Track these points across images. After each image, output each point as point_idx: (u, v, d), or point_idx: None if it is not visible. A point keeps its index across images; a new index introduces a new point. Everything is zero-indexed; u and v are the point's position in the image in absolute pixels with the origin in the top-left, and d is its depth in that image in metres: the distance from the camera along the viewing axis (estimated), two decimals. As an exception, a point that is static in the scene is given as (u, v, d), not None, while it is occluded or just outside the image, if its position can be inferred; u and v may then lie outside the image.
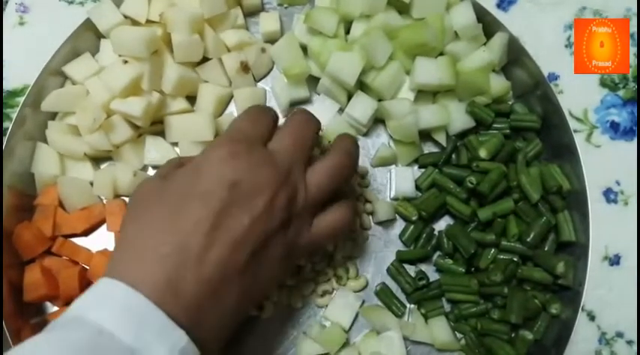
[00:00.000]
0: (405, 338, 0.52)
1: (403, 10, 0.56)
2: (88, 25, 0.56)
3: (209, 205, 0.38)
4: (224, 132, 0.45)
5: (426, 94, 0.56)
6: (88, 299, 0.35)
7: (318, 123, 0.48)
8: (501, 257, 0.52)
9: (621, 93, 0.59)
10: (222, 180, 0.39)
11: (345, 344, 0.52)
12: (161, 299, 0.34)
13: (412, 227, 0.54)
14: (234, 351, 0.53)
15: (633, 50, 0.59)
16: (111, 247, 0.54)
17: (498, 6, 0.60)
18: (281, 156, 0.42)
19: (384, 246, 0.55)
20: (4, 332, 0.49)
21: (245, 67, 0.57)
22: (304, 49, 0.57)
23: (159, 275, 0.35)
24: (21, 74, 0.58)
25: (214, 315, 0.37)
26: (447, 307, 0.54)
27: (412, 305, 0.54)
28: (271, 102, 0.58)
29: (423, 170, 0.56)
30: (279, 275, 0.44)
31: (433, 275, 0.54)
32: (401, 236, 0.55)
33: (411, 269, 0.54)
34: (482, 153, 0.53)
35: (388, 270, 0.54)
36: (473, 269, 0.53)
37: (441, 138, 0.56)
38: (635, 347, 0.53)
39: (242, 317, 0.42)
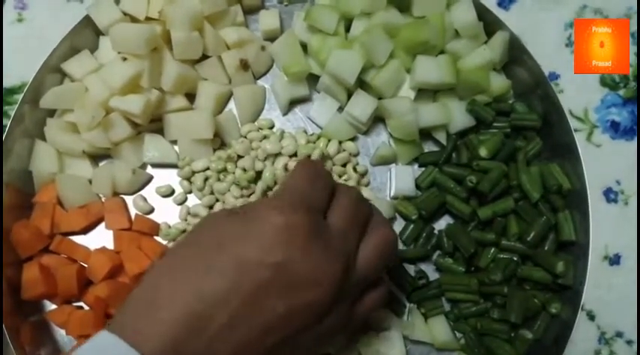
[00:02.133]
0: (405, 338, 0.52)
1: (404, 8, 0.56)
2: (87, 22, 0.56)
3: (246, 279, 0.34)
4: (280, 187, 0.41)
5: (427, 93, 0.56)
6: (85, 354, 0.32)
7: (370, 206, 0.43)
8: (501, 256, 0.52)
9: (622, 92, 0.58)
10: (270, 256, 0.34)
11: (346, 343, 0.52)
12: None
13: (412, 226, 0.54)
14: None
15: (633, 49, 0.58)
16: (109, 245, 0.54)
17: (499, 4, 0.60)
18: (339, 240, 0.38)
19: (384, 245, 0.55)
20: (2, 329, 0.49)
21: (245, 65, 0.57)
22: (304, 46, 0.57)
23: (167, 339, 0.32)
24: (19, 71, 0.58)
25: None
26: (447, 306, 0.54)
27: (412, 305, 0.54)
28: (271, 100, 0.58)
29: (423, 169, 0.56)
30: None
31: (433, 275, 0.54)
32: (401, 235, 0.55)
33: (411, 269, 0.54)
34: (483, 152, 0.53)
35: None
36: (473, 268, 0.53)
37: (442, 136, 0.56)
38: (634, 347, 0.53)
39: None
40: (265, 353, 0.35)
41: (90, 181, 0.54)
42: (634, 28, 0.59)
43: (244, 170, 0.54)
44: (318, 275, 0.35)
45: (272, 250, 0.34)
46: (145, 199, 0.55)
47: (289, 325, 0.35)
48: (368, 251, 0.39)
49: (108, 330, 0.32)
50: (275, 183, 0.53)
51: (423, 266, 0.54)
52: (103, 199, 0.55)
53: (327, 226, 0.38)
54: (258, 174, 0.54)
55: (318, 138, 0.56)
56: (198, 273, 0.34)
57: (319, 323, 0.36)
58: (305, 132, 0.57)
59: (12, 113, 0.53)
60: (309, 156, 0.53)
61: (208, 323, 0.32)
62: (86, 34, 0.56)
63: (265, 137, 0.56)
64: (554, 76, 0.58)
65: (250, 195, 0.53)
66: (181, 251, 0.37)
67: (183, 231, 0.54)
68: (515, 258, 0.52)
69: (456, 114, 0.55)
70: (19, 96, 0.54)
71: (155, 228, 0.54)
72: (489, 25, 0.56)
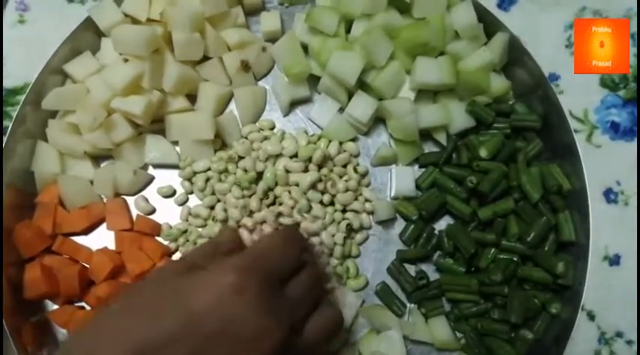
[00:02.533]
0: (405, 338, 0.52)
1: (404, 10, 0.56)
2: (89, 24, 0.56)
3: (193, 330, 0.34)
4: (249, 250, 0.42)
5: (427, 94, 0.56)
6: None
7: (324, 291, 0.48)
8: (501, 256, 0.52)
9: (621, 93, 0.59)
10: (219, 310, 0.35)
11: (345, 343, 0.52)
12: None
13: (412, 226, 0.54)
14: None
15: (633, 50, 0.59)
16: (111, 245, 0.54)
17: (499, 6, 0.60)
18: (289, 308, 0.39)
19: (385, 246, 0.55)
20: (4, 329, 0.49)
21: (245, 66, 0.57)
22: (305, 48, 0.57)
23: None
24: (21, 72, 0.58)
25: None
26: (447, 306, 0.54)
27: (412, 305, 0.54)
28: (272, 101, 0.58)
29: (423, 169, 0.56)
30: None
31: (433, 275, 0.54)
32: (401, 235, 0.55)
33: (412, 269, 0.54)
34: (483, 152, 0.53)
35: (388, 270, 0.54)
36: (473, 268, 0.53)
37: (442, 137, 0.56)
38: (634, 347, 0.53)
39: None
40: None
41: (91, 182, 0.55)
42: (633, 29, 0.59)
43: (245, 171, 0.54)
44: (263, 335, 0.36)
45: (222, 305, 0.35)
46: (146, 200, 0.55)
47: None
48: (316, 325, 0.41)
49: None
50: (276, 183, 0.53)
51: (424, 267, 0.55)
52: (104, 200, 0.55)
53: (282, 294, 0.40)
54: (259, 175, 0.54)
55: (319, 138, 0.56)
56: (145, 320, 0.35)
57: None
58: (306, 132, 0.57)
59: (14, 114, 0.53)
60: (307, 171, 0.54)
61: None
62: (88, 36, 0.57)
63: (266, 138, 0.56)
64: (554, 77, 0.59)
65: (251, 195, 0.53)
66: (133, 297, 0.38)
67: (185, 232, 0.54)
68: (515, 259, 0.52)
69: (456, 115, 0.55)
70: (21, 98, 0.54)
71: (156, 229, 0.54)
72: (489, 26, 0.56)
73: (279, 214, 0.53)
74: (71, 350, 0.33)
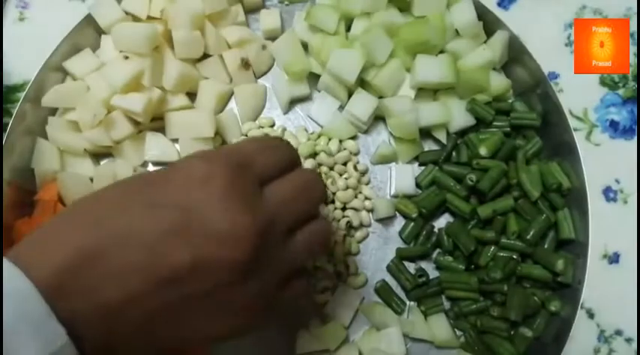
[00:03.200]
0: (405, 336, 0.52)
1: (404, 8, 0.56)
2: (89, 21, 0.56)
3: (151, 221, 0.31)
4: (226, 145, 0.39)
5: (427, 92, 0.57)
6: None
7: (324, 193, 0.41)
8: (501, 254, 0.52)
9: (621, 92, 0.59)
10: (181, 198, 0.32)
11: (345, 340, 0.52)
12: (54, 291, 0.29)
13: (412, 224, 0.54)
14: (233, 348, 0.53)
15: (633, 49, 0.59)
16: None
17: (499, 4, 0.60)
18: (269, 210, 0.34)
19: (384, 244, 0.55)
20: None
21: (246, 64, 0.57)
22: (305, 46, 0.57)
23: (57, 267, 0.29)
24: (21, 69, 0.58)
25: (121, 331, 0.31)
26: (447, 304, 0.54)
27: (412, 303, 0.54)
28: (272, 99, 0.58)
29: (423, 167, 0.56)
30: (227, 327, 0.35)
31: (433, 273, 0.54)
32: (401, 233, 0.55)
33: (411, 267, 0.54)
34: (483, 150, 0.53)
35: (388, 267, 0.54)
36: (472, 266, 0.53)
37: (442, 135, 0.56)
38: (634, 345, 0.53)
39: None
40: (158, 309, 0.31)
41: (91, 179, 0.55)
42: (633, 28, 0.59)
43: None
44: (234, 232, 0.32)
45: (184, 193, 0.32)
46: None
47: (193, 281, 0.31)
48: (306, 236, 0.37)
49: (5, 257, 0.30)
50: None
51: (423, 265, 0.55)
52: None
53: (261, 192, 0.35)
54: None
55: (319, 136, 0.56)
56: (106, 212, 0.32)
57: (228, 290, 0.32)
58: (306, 130, 0.57)
59: (14, 111, 0.53)
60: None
61: (103, 260, 0.30)
62: (88, 33, 0.57)
63: (266, 135, 0.56)
64: (554, 76, 0.59)
65: None
66: (103, 192, 0.34)
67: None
68: (514, 256, 0.52)
69: (456, 114, 0.55)
70: (21, 95, 0.54)
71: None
72: (489, 24, 0.56)
73: None
74: (19, 254, 0.30)
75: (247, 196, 0.33)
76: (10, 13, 0.60)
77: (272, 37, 0.59)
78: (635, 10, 0.60)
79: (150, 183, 0.34)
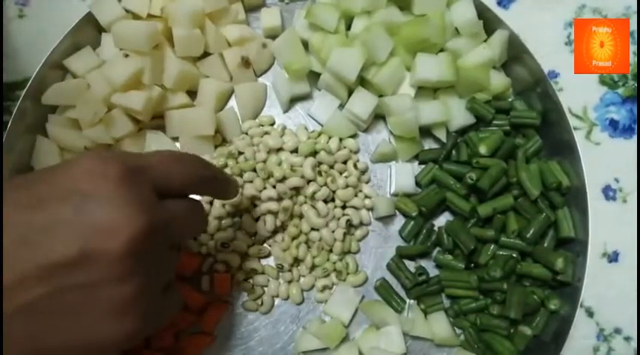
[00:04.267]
0: (405, 334, 0.52)
1: (404, 7, 0.56)
2: (89, 19, 0.56)
3: (39, 210, 0.31)
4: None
5: (427, 90, 0.57)
6: None
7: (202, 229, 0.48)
8: (501, 253, 0.52)
9: (620, 91, 0.59)
10: (66, 189, 0.32)
11: (345, 339, 0.52)
12: None
13: (412, 223, 0.54)
14: (233, 347, 0.53)
15: (633, 48, 0.59)
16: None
17: (499, 3, 0.61)
18: (162, 218, 0.35)
19: (384, 242, 0.55)
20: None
21: (246, 62, 0.57)
22: (305, 44, 0.57)
23: None
24: (21, 67, 0.58)
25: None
26: (447, 303, 0.54)
27: (412, 301, 0.54)
28: (272, 98, 0.59)
29: (423, 166, 0.56)
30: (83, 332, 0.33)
31: (433, 271, 0.54)
32: (401, 232, 0.55)
33: (411, 265, 0.54)
34: (483, 149, 0.53)
35: (388, 266, 0.55)
36: (472, 265, 0.53)
37: (441, 134, 0.56)
38: (633, 344, 0.53)
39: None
40: (43, 298, 0.31)
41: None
42: (633, 27, 0.59)
43: (246, 159, 0.54)
44: (122, 226, 0.32)
45: (70, 185, 0.32)
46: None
47: (79, 271, 0.31)
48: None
49: None
50: (284, 177, 0.53)
51: (423, 263, 0.55)
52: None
53: (157, 200, 0.35)
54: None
55: (319, 135, 0.56)
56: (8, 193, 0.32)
57: (113, 285, 0.32)
58: (306, 129, 0.57)
59: (14, 109, 0.53)
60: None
61: None
62: (88, 31, 0.57)
63: (266, 133, 0.56)
64: (554, 75, 0.59)
65: (251, 181, 0.53)
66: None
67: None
68: (514, 255, 0.52)
69: (456, 112, 0.55)
70: (21, 93, 0.54)
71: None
72: (489, 23, 0.56)
73: (283, 197, 0.53)
74: None
75: (139, 196, 0.33)
76: (10, 10, 0.60)
77: (272, 36, 0.59)
78: (634, 9, 0.60)
79: (38, 180, 0.33)
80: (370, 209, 0.55)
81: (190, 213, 0.39)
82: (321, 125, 0.57)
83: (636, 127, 0.58)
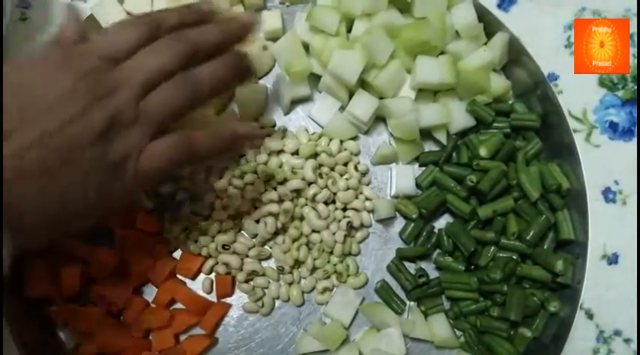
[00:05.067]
0: (405, 335, 0.52)
1: (404, 9, 0.57)
2: (91, 22, 0.56)
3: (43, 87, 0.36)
4: None
5: (427, 93, 0.57)
6: None
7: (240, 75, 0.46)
8: (501, 255, 0.53)
9: (620, 93, 0.59)
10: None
11: (345, 341, 0.52)
12: None
13: (412, 225, 0.55)
14: (232, 348, 0.53)
15: (633, 51, 0.59)
16: (111, 243, 0.54)
17: (499, 6, 0.61)
18: (124, 68, 0.39)
19: (384, 244, 0.55)
20: (3, 329, 0.49)
21: (247, 65, 0.57)
22: (306, 47, 0.57)
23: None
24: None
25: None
26: (447, 304, 0.54)
27: (412, 303, 0.54)
28: (273, 100, 0.59)
29: (423, 168, 0.57)
30: (102, 196, 0.38)
31: (433, 273, 0.55)
32: (401, 233, 0.55)
33: (411, 267, 0.55)
34: (483, 151, 0.53)
35: (388, 268, 0.55)
36: (472, 267, 0.54)
37: (442, 136, 0.56)
38: (632, 346, 0.53)
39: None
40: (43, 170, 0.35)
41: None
42: (633, 29, 0.59)
43: (247, 161, 0.54)
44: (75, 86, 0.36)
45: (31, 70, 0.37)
46: (147, 197, 0.55)
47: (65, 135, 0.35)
48: (163, 96, 0.40)
49: None
50: (285, 180, 0.54)
51: (423, 265, 0.55)
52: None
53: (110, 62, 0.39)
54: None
55: (320, 137, 0.57)
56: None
57: (100, 143, 0.37)
58: (306, 131, 0.57)
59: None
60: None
61: None
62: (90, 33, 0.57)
63: (267, 135, 0.56)
64: (554, 77, 0.59)
65: (252, 183, 0.53)
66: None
67: (185, 229, 0.54)
68: (514, 257, 0.52)
69: (456, 115, 0.55)
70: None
71: (158, 226, 0.54)
72: (489, 26, 0.56)
73: (284, 199, 0.53)
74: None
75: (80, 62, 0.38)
76: (12, 13, 0.60)
77: (273, 38, 0.59)
78: (633, 11, 0.60)
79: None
80: (371, 211, 0.56)
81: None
82: (322, 127, 0.57)
83: (635, 130, 0.58)
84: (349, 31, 0.57)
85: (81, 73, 0.37)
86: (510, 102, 0.58)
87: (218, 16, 0.45)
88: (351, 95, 0.56)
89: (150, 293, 0.54)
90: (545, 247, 0.53)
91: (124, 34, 0.40)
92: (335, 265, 0.54)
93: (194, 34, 0.42)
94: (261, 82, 0.59)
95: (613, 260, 0.55)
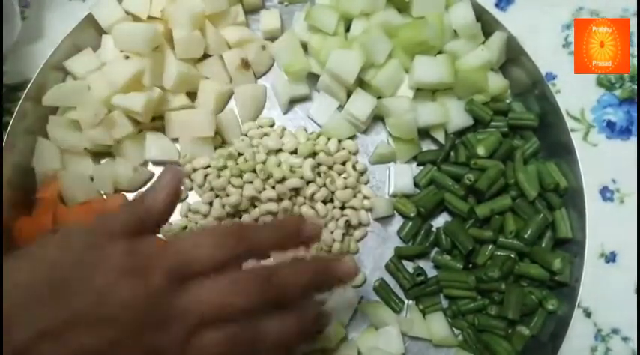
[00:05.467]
0: (403, 334, 0.52)
1: (403, 9, 0.57)
2: (90, 21, 0.56)
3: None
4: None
5: (425, 92, 0.57)
6: None
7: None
8: (499, 253, 0.53)
9: (617, 93, 0.59)
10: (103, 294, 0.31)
11: (344, 339, 0.52)
12: None
13: (410, 223, 0.55)
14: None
15: (632, 51, 0.59)
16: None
17: (497, 6, 0.61)
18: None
19: (383, 243, 0.56)
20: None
21: (245, 64, 0.57)
22: (304, 46, 0.58)
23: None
24: (22, 69, 0.58)
25: None
26: (445, 303, 0.54)
27: (410, 301, 0.54)
28: (271, 99, 0.59)
29: (421, 167, 0.57)
30: None
31: (431, 272, 0.55)
32: (399, 232, 0.55)
33: (410, 266, 0.55)
34: (481, 150, 0.53)
35: (387, 266, 0.55)
36: (470, 265, 0.54)
37: (440, 135, 0.56)
38: (630, 344, 0.53)
39: None
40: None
41: (92, 178, 0.55)
42: (632, 29, 0.59)
43: (245, 160, 0.54)
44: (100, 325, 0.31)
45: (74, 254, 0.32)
46: (146, 196, 0.55)
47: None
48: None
49: None
50: (283, 178, 0.54)
51: (422, 264, 0.55)
52: (104, 197, 0.55)
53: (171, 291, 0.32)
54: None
55: (318, 136, 0.57)
56: (50, 299, 0.31)
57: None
58: (305, 130, 0.57)
59: (15, 110, 0.53)
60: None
61: None
62: (89, 33, 0.57)
63: (266, 135, 0.56)
64: (551, 77, 0.59)
65: (251, 182, 0.54)
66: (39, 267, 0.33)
67: (184, 228, 0.54)
68: (512, 255, 0.52)
69: (454, 114, 0.56)
70: (22, 94, 0.54)
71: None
72: (487, 25, 0.57)
73: (282, 198, 0.53)
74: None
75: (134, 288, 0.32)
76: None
77: (272, 38, 0.59)
78: (631, 11, 0.60)
79: (90, 263, 0.33)
80: (369, 210, 0.56)
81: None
82: (320, 126, 0.57)
83: (634, 129, 0.58)
84: (347, 30, 0.57)
85: (140, 291, 0.31)
86: (508, 101, 0.58)
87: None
88: (349, 94, 0.56)
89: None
90: (542, 246, 0.53)
91: (206, 246, 0.34)
92: (333, 264, 0.54)
93: (290, 278, 0.36)
94: (260, 81, 0.60)
95: (611, 258, 0.55)
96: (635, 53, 0.59)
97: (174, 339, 0.32)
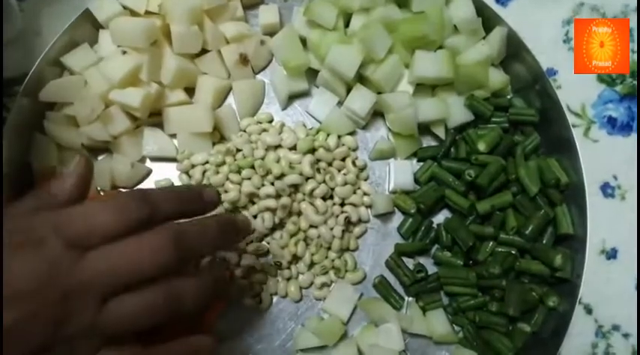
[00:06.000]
0: (403, 331, 0.52)
1: (402, 4, 0.56)
2: (87, 16, 0.55)
3: None
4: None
5: (425, 88, 0.57)
6: None
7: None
8: (499, 250, 0.52)
9: (618, 88, 0.59)
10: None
11: (344, 336, 0.52)
12: None
13: (411, 220, 0.54)
14: (231, 345, 0.53)
15: (632, 46, 0.59)
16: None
17: (497, 0, 0.61)
18: (89, 267, 0.32)
19: (383, 239, 0.55)
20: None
21: (244, 59, 0.57)
22: (303, 41, 0.57)
23: None
24: (19, 64, 0.57)
25: None
26: (445, 300, 0.54)
27: (410, 298, 0.54)
28: (270, 95, 0.58)
29: (421, 163, 0.56)
30: None
31: (431, 268, 0.54)
32: (399, 229, 0.55)
33: (410, 262, 0.54)
34: (481, 146, 0.53)
35: (387, 263, 0.54)
36: (471, 262, 0.53)
37: (440, 131, 0.56)
38: (631, 340, 0.53)
39: None
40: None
41: (89, 174, 0.54)
42: (632, 24, 0.59)
43: (244, 156, 0.54)
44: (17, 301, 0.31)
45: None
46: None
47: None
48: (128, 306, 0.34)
49: None
50: (282, 175, 0.53)
51: (422, 260, 0.55)
52: (102, 193, 0.55)
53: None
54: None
55: (318, 132, 0.56)
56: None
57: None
58: (304, 126, 0.57)
59: (11, 106, 0.53)
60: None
61: None
62: (86, 28, 0.56)
63: (264, 130, 0.56)
64: (552, 72, 0.59)
65: (250, 178, 0.53)
66: None
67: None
68: (513, 252, 0.52)
69: (455, 109, 0.55)
70: (19, 89, 0.53)
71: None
72: (488, 20, 0.56)
73: (281, 194, 0.52)
74: None
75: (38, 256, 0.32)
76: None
77: (270, 33, 0.59)
78: (632, 7, 0.60)
79: None
80: (369, 206, 0.55)
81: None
82: (320, 122, 0.57)
83: (634, 125, 0.58)
84: (347, 25, 0.57)
85: (37, 263, 0.31)
86: (509, 97, 0.57)
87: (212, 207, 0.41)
88: (348, 90, 0.56)
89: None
90: (544, 242, 0.53)
91: (107, 211, 0.34)
92: (333, 260, 0.54)
93: (194, 237, 0.37)
94: (259, 77, 0.59)
95: (612, 255, 0.55)
96: (636, 49, 0.59)
97: (84, 307, 0.32)
